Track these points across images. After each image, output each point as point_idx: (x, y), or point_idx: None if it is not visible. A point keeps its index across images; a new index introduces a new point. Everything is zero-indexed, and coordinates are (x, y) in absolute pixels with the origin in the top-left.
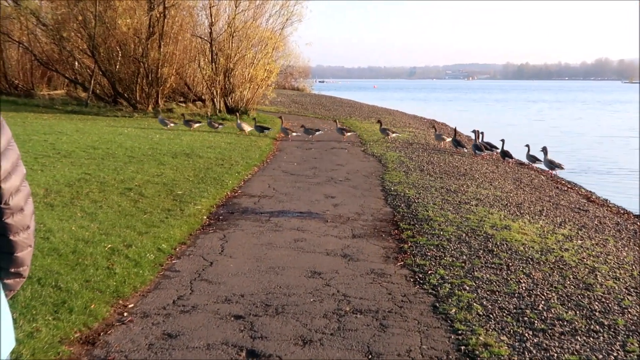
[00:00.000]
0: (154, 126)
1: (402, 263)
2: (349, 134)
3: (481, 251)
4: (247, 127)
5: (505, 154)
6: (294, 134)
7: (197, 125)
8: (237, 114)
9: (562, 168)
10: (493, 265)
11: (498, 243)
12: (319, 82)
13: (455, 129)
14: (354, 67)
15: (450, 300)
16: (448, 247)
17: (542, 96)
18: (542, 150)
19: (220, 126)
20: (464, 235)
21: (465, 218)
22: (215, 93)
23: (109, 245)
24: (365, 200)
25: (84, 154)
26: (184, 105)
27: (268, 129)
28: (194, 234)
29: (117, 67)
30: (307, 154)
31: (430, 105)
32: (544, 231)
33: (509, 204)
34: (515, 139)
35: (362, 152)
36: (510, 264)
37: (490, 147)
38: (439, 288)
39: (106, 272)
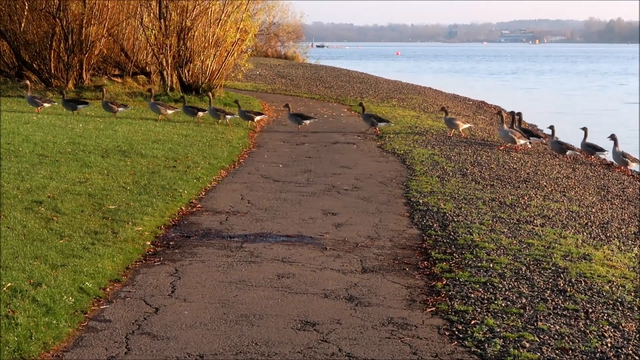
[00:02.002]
0: (83, 111)
1: (433, 309)
2: (381, 124)
3: (548, 292)
4: (169, 111)
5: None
6: (229, 116)
7: (121, 109)
8: (201, 94)
9: (637, 162)
10: (565, 312)
11: (573, 280)
12: (317, 46)
13: (518, 115)
14: (368, 26)
15: None
16: (500, 285)
17: None
18: (611, 139)
19: (169, 111)
20: (523, 268)
21: (526, 244)
22: (165, 63)
23: (9, 284)
24: (382, 218)
25: None
26: (119, 80)
27: (222, 112)
28: (132, 267)
29: (23, 25)
30: (298, 151)
31: (480, 80)
32: None
33: (589, 224)
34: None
35: (378, 149)
36: (591, 311)
37: (533, 134)
38: (486, 345)
39: (4, 322)
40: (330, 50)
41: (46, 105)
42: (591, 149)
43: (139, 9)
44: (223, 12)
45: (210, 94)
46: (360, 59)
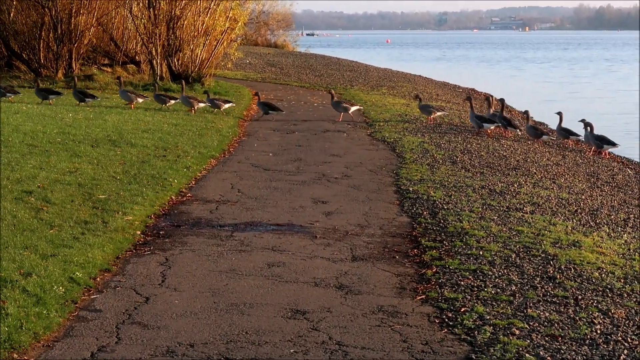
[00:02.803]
0: (65, 101)
1: (423, 297)
2: (353, 108)
3: (538, 279)
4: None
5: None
6: (200, 104)
7: (89, 99)
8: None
9: (615, 145)
10: (555, 299)
11: (563, 267)
12: (307, 35)
13: (499, 102)
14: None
15: (492, 351)
16: (490, 273)
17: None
18: (584, 123)
19: (171, 101)
20: (513, 256)
21: (515, 231)
22: (154, 52)
23: None
24: (372, 206)
25: None
26: (109, 69)
27: (216, 101)
28: (122, 257)
29: (12, 15)
30: (289, 139)
31: (470, 68)
32: (629, 249)
33: (579, 211)
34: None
35: (368, 137)
36: (580, 297)
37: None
38: (476, 332)
39: None
40: (320, 39)
41: (10, 96)
42: (566, 133)
43: None
44: (212, 0)
45: (183, 83)
46: (350, 47)
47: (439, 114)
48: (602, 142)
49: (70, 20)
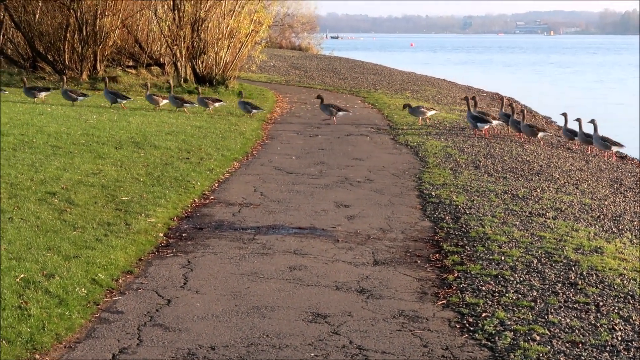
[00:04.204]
0: (90, 102)
1: (444, 302)
2: (340, 113)
3: (559, 285)
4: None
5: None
6: (164, 101)
7: (80, 98)
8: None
9: (620, 146)
10: (576, 306)
11: (584, 273)
12: (332, 37)
13: (508, 105)
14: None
15: (512, 357)
16: (512, 278)
17: None
18: (590, 122)
19: (186, 105)
20: (535, 261)
21: (537, 237)
22: (179, 54)
23: (22, 275)
24: (394, 210)
25: None
26: (134, 71)
27: (210, 100)
28: (144, 259)
29: (37, 16)
30: (311, 143)
31: (495, 72)
32: None
33: (602, 217)
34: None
35: (391, 141)
36: (602, 304)
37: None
38: (496, 338)
39: (17, 313)
40: (344, 42)
41: (42, 95)
42: (570, 134)
43: (153, 0)
44: (237, 3)
45: (198, 87)
46: (374, 50)
47: (430, 114)
48: (608, 142)
49: (95, 22)
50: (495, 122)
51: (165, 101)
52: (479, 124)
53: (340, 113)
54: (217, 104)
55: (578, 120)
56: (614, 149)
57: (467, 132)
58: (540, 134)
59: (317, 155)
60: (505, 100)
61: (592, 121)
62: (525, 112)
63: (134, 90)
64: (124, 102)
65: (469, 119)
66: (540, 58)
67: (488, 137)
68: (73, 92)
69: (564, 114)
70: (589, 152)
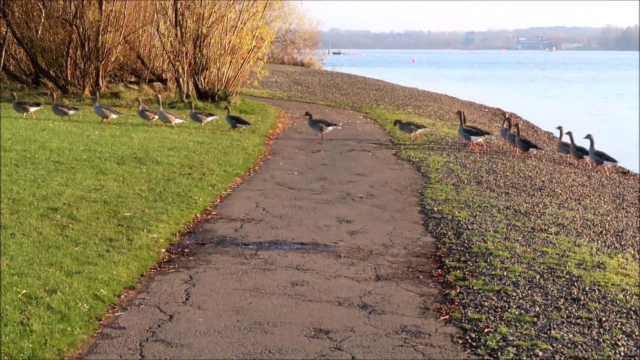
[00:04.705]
0: (92, 118)
1: (446, 317)
2: (329, 128)
3: (562, 300)
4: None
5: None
6: (330, 128)
7: (72, 112)
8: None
9: (614, 161)
10: (579, 321)
11: (587, 289)
12: (334, 53)
13: (508, 119)
14: (384, 33)
15: None
16: (514, 294)
17: None
18: (587, 138)
19: (209, 118)
20: (537, 277)
21: (540, 252)
22: (181, 70)
23: (24, 291)
24: (396, 226)
25: None
26: (136, 87)
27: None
28: (146, 275)
29: (40, 32)
30: (313, 158)
31: (497, 88)
32: None
33: (604, 232)
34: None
35: (393, 156)
36: (604, 319)
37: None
38: (499, 354)
39: (19, 328)
40: (346, 57)
41: (71, 112)
42: (566, 147)
43: (155, 16)
44: (239, 19)
45: (192, 102)
46: (376, 65)
47: (420, 131)
48: (602, 157)
49: (98, 38)
50: (485, 136)
51: (156, 117)
52: (472, 137)
53: (330, 128)
54: (209, 118)
55: (569, 134)
56: (607, 164)
57: (468, 148)
58: (531, 150)
59: (319, 170)
60: (507, 115)
61: (589, 136)
62: (519, 126)
63: (136, 107)
64: (116, 117)
65: (461, 132)
66: (542, 74)
67: (477, 150)
68: (63, 106)
69: (559, 128)
70: (578, 166)
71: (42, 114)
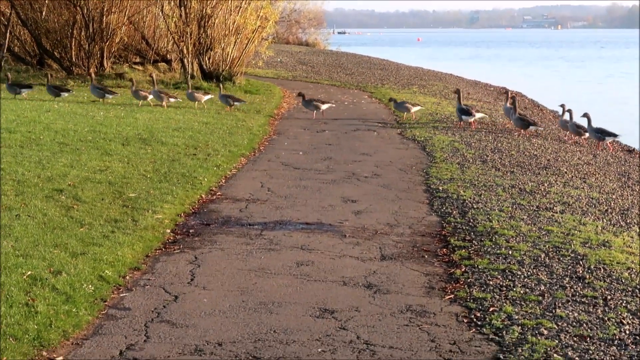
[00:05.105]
0: (91, 98)
1: (451, 296)
2: (324, 106)
3: (567, 279)
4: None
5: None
6: (325, 106)
7: (64, 94)
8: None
9: (615, 136)
10: (584, 300)
11: (592, 267)
12: (339, 33)
13: (512, 98)
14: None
15: (520, 351)
16: (519, 273)
17: None
18: (584, 116)
19: (205, 96)
20: (542, 255)
21: (545, 231)
22: (185, 51)
23: (29, 272)
24: (401, 205)
25: None
26: (140, 67)
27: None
28: (151, 256)
29: (44, 13)
30: (319, 138)
31: (502, 67)
32: None
33: (610, 210)
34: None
35: (398, 136)
36: (609, 297)
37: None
38: (504, 332)
39: (24, 310)
40: (351, 37)
41: (64, 94)
42: (568, 125)
43: None
44: None
45: (189, 80)
46: (381, 45)
47: (415, 109)
48: (602, 134)
49: (102, 19)
50: (478, 115)
51: (150, 96)
52: (464, 117)
53: (324, 106)
54: (206, 97)
55: (569, 111)
56: (609, 139)
57: (474, 127)
58: (531, 127)
59: (324, 150)
60: (510, 93)
61: (586, 114)
62: (516, 104)
63: (141, 87)
64: (111, 97)
65: (457, 111)
66: (548, 52)
67: (474, 128)
68: (57, 87)
69: (562, 106)
70: (578, 143)
71: (37, 94)
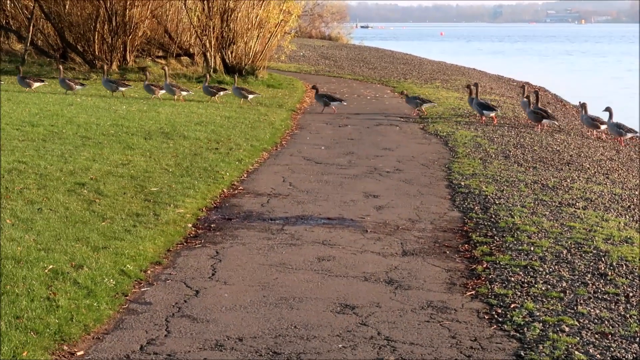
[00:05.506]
0: (118, 94)
1: (473, 292)
2: (334, 103)
3: (589, 275)
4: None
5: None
6: (335, 103)
7: (78, 87)
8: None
9: (635, 132)
10: (606, 297)
11: (614, 264)
12: (362, 27)
13: (534, 93)
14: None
15: (541, 348)
16: (541, 269)
17: None
18: (606, 111)
19: (221, 92)
20: (564, 252)
21: (567, 227)
22: (208, 45)
23: (51, 266)
24: (423, 200)
25: (17, 133)
26: (163, 61)
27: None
28: (173, 250)
29: (67, 7)
30: (341, 133)
31: (526, 61)
32: None
33: (632, 207)
34: None
35: (421, 131)
36: (631, 294)
37: (548, 115)
38: (525, 329)
39: (45, 304)
40: (374, 31)
41: (78, 87)
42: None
43: None
44: None
45: (207, 75)
46: (404, 39)
47: (426, 105)
48: (622, 129)
49: (125, 13)
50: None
51: (162, 91)
52: (485, 112)
53: (335, 103)
54: (222, 93)
55: (583, 105)
56: (629, 135)
57: (497, 122)
58: (544, 121)
59: (346, 145)
60: (526, 88)
61: (608, 109)
62: (531, 98)
63: (163, 81)
64: (124, 89)
65: (474, 105)
66: (572, 47)
67: (496, 123)
68: (71, 80)
69: (581, 103)
70: (593, 136)
71: (47, 88)
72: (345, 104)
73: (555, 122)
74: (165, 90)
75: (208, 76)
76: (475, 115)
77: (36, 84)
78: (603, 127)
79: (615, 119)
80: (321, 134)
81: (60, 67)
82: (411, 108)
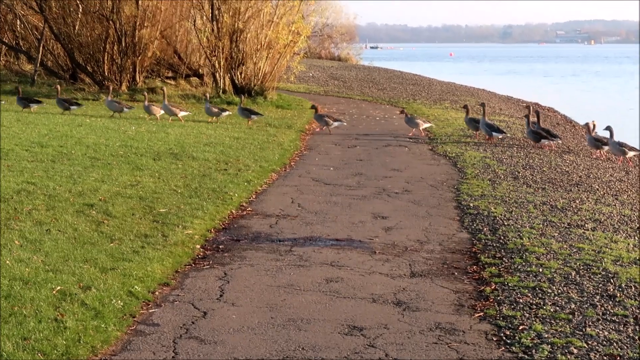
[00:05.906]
0: (129, 114)
1: (481, 314)
2: (335, 123)
3: (598, 297)
4: (157, 111)
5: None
6: (335, 123)
7: (73, 107)
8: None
9: (638, 151)
10: (614, 318)
11: (623, 285)
12: (371, 47)
13: (534, 113)
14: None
15: None
16: (549, 291)
17: None
18: (606, 129)
19: (223, 113)
20: (573, 273)
21: (576, 249)
22: (217, 65)
23: (59, 287)
24: (432, 222)
25: (26, 154)
26: (172, 82)
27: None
28: (181, 271)
29: (77, 28)
30: (349, 154)
31: (536, 82)
32: None
33: None
34: None
35: (430, 151)
36: None
37: (548, 135)
38: (533, 351)
39: (53, 325)
40: (383, 52)
41: (73, 107)
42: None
43: (191, 11)
44: (275, 14)
45: (207, 97)
46: (413, 60)
47: (426, 125)
48: (625, 147)
49: (135, 33)
50: (426, 125)
51: (162, 112)
52: (494, 133)
53: (335, 123)
54: (225, 113)
55: (587, 125)
56: (631, 154)
57: (506, 142)
58: (543, 141)
59: (355, 166)
60: (530, 108)
61: (608, 127)
62: (530, 117)
63: (172, 102)
64: (127, 110)
65: (483, 126)
66: (582, 67)
67: (492, 142)
68: (66, 100)
69: (587, 124)
70: (595, 156)
71: (43, 109)
72: (345, 124)
73: (553, 141)
74: (164, 111)
75: (209, 96)
76: (477, 135)
77: (34, 105)
78: (606, 147)
79: (620, 139)
80: (330, 155)
81: (58, 87)
82: (409, 128)
